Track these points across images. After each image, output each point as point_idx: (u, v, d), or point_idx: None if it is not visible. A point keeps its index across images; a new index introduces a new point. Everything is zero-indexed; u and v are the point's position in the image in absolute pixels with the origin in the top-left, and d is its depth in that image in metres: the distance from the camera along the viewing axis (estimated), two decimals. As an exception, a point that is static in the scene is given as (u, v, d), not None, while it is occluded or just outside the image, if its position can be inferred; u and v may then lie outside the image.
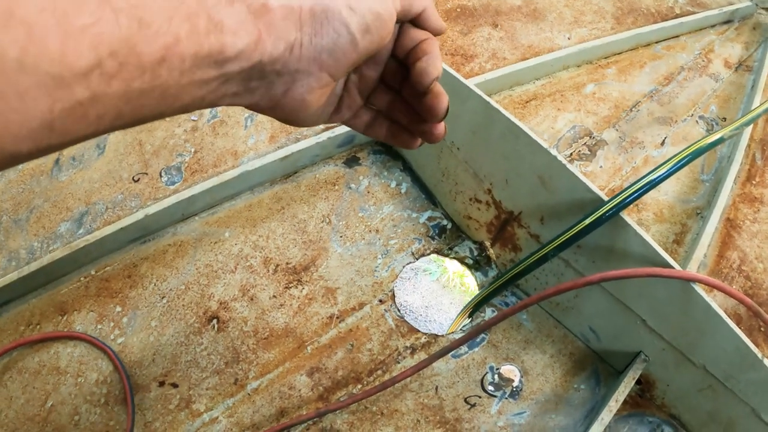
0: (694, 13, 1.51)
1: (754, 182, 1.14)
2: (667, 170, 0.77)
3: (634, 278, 0.73)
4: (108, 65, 0.32)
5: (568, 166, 0.77)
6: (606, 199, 0.75)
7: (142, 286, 0.89)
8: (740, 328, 0.89)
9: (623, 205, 0.74)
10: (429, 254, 0.93)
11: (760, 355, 0.70)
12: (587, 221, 0.74)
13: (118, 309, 0.86)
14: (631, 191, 0.74)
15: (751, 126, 1.24)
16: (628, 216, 0.95)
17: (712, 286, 0.75)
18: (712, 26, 1.54)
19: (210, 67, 0.37)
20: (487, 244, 0.94)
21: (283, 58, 0.41)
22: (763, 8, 1.68)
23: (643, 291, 0.77)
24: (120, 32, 0.32)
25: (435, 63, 0.48)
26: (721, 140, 0.87)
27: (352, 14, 0.42)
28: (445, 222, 0.99)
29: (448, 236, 0.97)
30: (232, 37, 0.38)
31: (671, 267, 0.73)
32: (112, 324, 0.85)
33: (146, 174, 1.00)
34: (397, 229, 0.97)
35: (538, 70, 1.21)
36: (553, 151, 0.78)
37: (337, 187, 1.01)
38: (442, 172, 0.98)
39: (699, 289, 0.72)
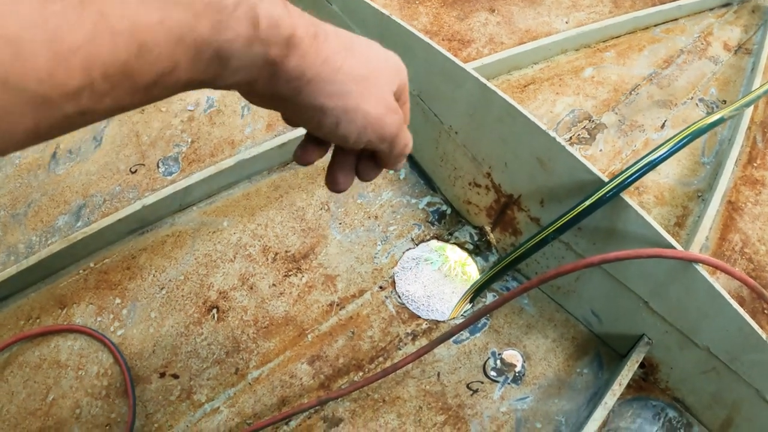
0: (692, -5, 1.50)
1: (755, 164, 1.13)
2: (667, 150, 0.77)
3: (636, 260, 0.72)
4: (99, 86, 0.31)
5: (567, 147, 0.76)
6: (606, 180, 0.74)
7: (141, 277, 0.88)
8: (744, 309, 0.89)
9: (623, 185, 0.73)
10: (429, 240, 0.93)
11: (764, 336, 0.70)
12: (587, 203, 0.73)
13: (118, 301, 0.86)
14: (632, 171, 0.74)
15: (752, 108, 1.23)
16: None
17: (715, 267, 0.75)
18: (711, 9, 1.53)
19: (202, 85, 0.38)
20: (488, 228, 0.93)
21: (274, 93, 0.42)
22: (762, -9, 1.67)
23: (644, 273, 0.76)
24: (116, 56, 0.31)
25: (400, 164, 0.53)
26: (721, 120, 0.87)
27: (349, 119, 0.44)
28: (444, 207, 0.98)
29: (447, 222, 0.97)
30: (232, 75, 0.38)
31: (673, 248, 0.72)
32: (111, 316, 0.85)
33: (143, 165, 1.00)
34: (397, 215, 0.96)
35: (536, 54, 1.20)
36: (552, 133, 0.77)
37: (335, 173, 1.00)
38: (441, 157, 0.97)
39: (702, 270, 0.71)
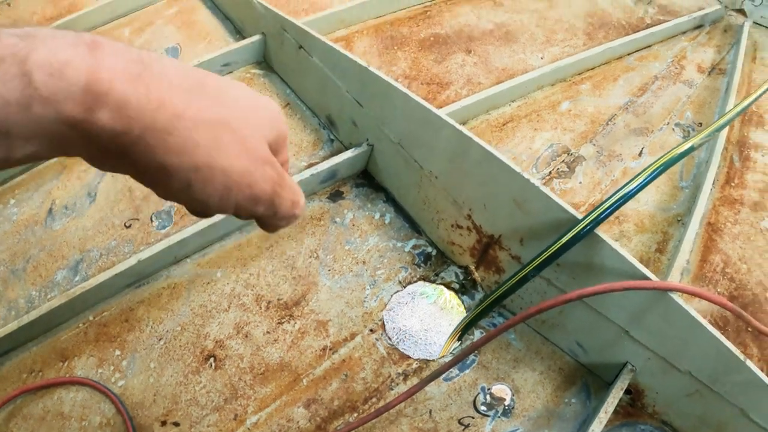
0: (664, 21, 1.54)
1: (733, 184, 1.16)
2: (638, 184, 0.80)
3: (613, 292, 0.75)
4: None
5: (542, 188, 0.79)
6: (580, 217, 0.77)
7: (139, 329, 0.90)
8: (728, 329, 0.92)
9: (598, 221, 0.76)
10: (416, 281, 0.96)
11: (742, 357, 0.72)
12: (564, 240, 0.76)
13: (118, 353, 0.88)
14: (604, 208, 0.77)
15: (727, 128, 1.27)
16: (608, 229, 0.99)
17: (690, 293, 0.78)
18: (683, 33, 1.57)
19: None
20: (472, 267, 0.96)
21: None
22: (733, 10, 1.71)
23: (623, 303, 0.79)
24: None
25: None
26: (691, 149, 0.90)
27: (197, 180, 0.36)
28: (429, 249, 1.01)
29: (433, 263, 0.99)
30: (23, 147, 0.32)
31: (648, 278, 0.75)
32: (112, 368, 0.86)
33: (137, 219, 1.02)
34: (384, 259, 0.99)
35: (513, 93, 1.23)
36: (526, 175, 0.80)
37: (322, 222, 1.04)
38: (423, 201, 1.00)
39: (677, 297, 0.74)
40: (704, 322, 0.73)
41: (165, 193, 0.37)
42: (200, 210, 0.39)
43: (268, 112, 0.41)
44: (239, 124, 0.37)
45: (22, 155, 0.32)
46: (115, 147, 0.33)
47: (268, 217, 0.42)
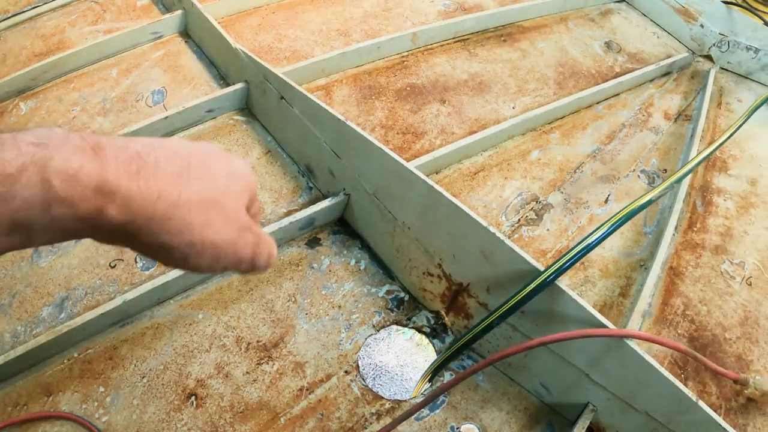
0: (633, 70, 1.60)
1: (695, 229, 1.21)
2: (598, 237, 0.86)
3: (573, 339, 0.80)
4: None
5: (506, 241, 0.85)
6: (542, 269, 0.82)
7: (123, 367, 0.92)
8: (687, 370, 0.97)
9: (559, 272, 0.82)
10: (389, 325, 1.00)
11: (694, 398, 0.77)
12: (527, 290, 0.81)
13: (102, 389, 0.90)
14: (565, 260, 0.82)
15: (691, 175, 1.32)
16: (574, 275, 1.04)
17: (644, 339, 0.83)
18: (651, 80, 1.63)
19: (16, 248, 0.36)
20: (442, 313, 1.01)
21: None
22: (700, 56, 1.78)
23: (583, 348, 0.84)
24: None
25: None
26: (650, 202, 0.95)
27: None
28: (402, 294, 1.05)
29: (406, 308, 1.04)
30: (43, 238, 0.36)
31: (605, 326, 0.80)
32: (96, 403, 0.88)
33: (122, 260, 1.05)
34: (359, 303, 1.03)
35: (485, 143, 1.28)
36: (492, 229, 0.86)
37: (300, 267, 1.07)
38: (397, 249, 1.05)
39: (632, 343, 0.79)
40: (657, 365, 0.78)
41: (165, 263, 0.43)
42: (195, 272, 0.44)
43: (243, 179, 0.46)
44: (223, 199, 0.43)
45: (38, 244, 0.37)
46: (122, 234, 0.38)
47: (247, 271, 0.47)
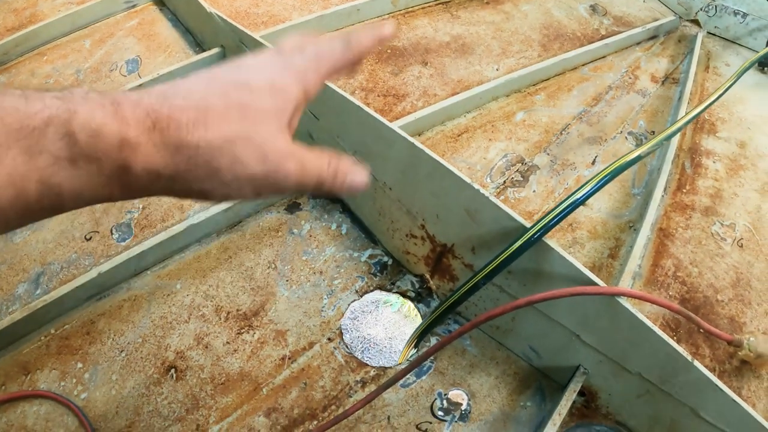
0: (619, 33, 1.58)
1: (684, 190, 1.19)
2: (586, 192, 0.83)
3: (562, 298, 0.78)
4: None
5: (491, 197, 0.82)
6: (529, 225, 0.80)
7: (100, 341, 0.91)
8: (680, 331, 0.95)
9: (546, 229, 0.79)
10: (372, 291, 0.97)
11: (689, 358, 0.75)
12: (513, 248, 0.78)
13: (80, 365, 0.88)
14: (552, 216, 0.79)
15: (679, 136, 1.30)
16: (562, 236, 1.01)
17: (636, 298, 0.81)
18: (638, 43, 1.60)
19: (47, 215, 0.36)
20: (427, 276, 0.98)
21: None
22: (687, 21, 1.76)
23: (573, 308, 0.81)
24: None
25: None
26: (638, 158, 0.92)
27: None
28: (385, 258, 1.03)
29: (389, 272, 1.01)
30: (75, 200, 0.36)
31: (595, 284, 0.77)
32: (74, 380, 0.87)
33: (98, 232, 1.03)
34: (340, 269, 1.01)
35: (468, 104, 1.26)
36: (476, 185, 0.83)
37: (280, 233, 1.05)
38: (378, 212, 1.02)
39: (624, 301, 0.77)
40: (651, 324, 0.76)
41: (210, 202, 0.43)
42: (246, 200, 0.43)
43: (282, 95, 0.43)
44: (251, 130, 0.40)
45: (73, 207, 0.36)
46: (155, 189, 0.38)
47: (315, 193, 0.45)
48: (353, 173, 0.47)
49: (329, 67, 0.47)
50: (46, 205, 0.34)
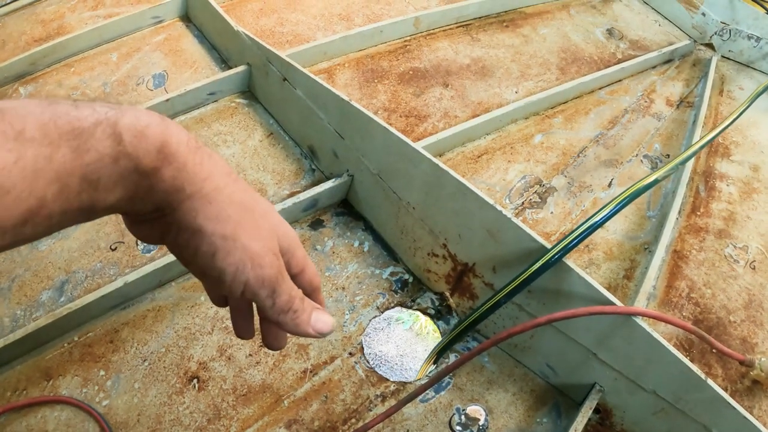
0: (635, 56, 1.60)
1: (698, 213, 1.21)
2: (604, 215, 0.85)
3: (580, 317, 0.80)
4: None
5: (513, 219, 0.84)
6: (549, 246, 0.82)
7: (124, 350, 0.92)
8: (693, 351, 0.96)
9: (566, 250, 0.81)
10: (393, 307, 0.99)
11: (703, 376, 0.77)
12: (534, 268, 0.81)
13: (102, 373, 0.89)
14: (572, 238, 0.82)
15: (694, 159, 1.32)
16: (578, 257, 1.03)
17: (652, 317, 0.82)
18: (653, 67, 1.63)
19: (80, 217, 0.38)
20: (447, 294, 1.00)
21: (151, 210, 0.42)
22: (702, 45, 1.78)
23: (590, 327, 0.83)
24: None
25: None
26: (655, 182, 0.95)
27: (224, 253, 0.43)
28: (406, 276, 1.05)
29: (410, 289, 1.03)
30: (107, 195, 0.38)
31: (613, 304, 0.80)
32: (96, 387, 0.88)
33: (123, 243, 1.04)
34: (362, 285, 1.02)
35: (488, 126, 1.28)
36: (498, 207, 0.85)
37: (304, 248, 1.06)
38: (401, 230, 1.04)
39: (640, 321, 0.79)
40: (666, 343, 0.78)
41: (192, 255, 0.43)
42: (216, 283, 0.45)
43: (285, 227, 0.49)
44: (260, 214, 0.45)
45: (102, 207, 0.38)
46: (169, 201, 0.41)
47: (268, 307, 0.47)
48: (320, 314, 0.51)
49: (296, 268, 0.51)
50: (84, 202, 0.37)
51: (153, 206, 0.41)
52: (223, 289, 0.48)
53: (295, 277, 0.51)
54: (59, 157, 0.34)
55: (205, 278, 0.47)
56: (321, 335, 0.51)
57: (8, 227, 0.33)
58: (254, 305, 0.50)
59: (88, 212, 0.38)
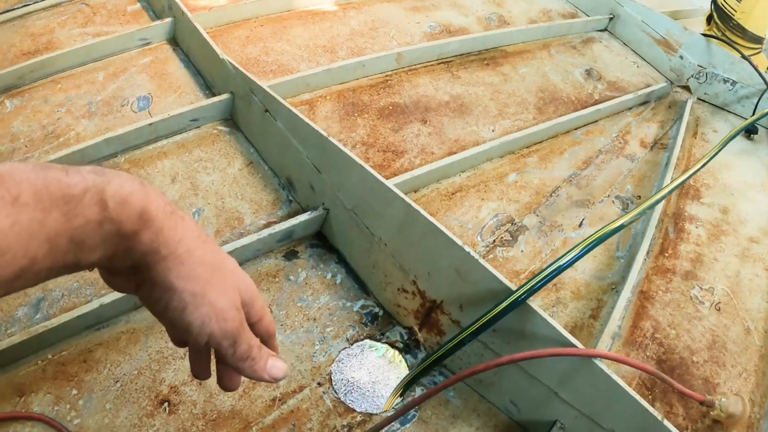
0: (612, 97, 1.64)
1: (666, 254, 1.24)
2: (570, 258, 0.88)
3: (542, 357, 0.82)
4: None
5: (480, 260, 0.87)
6: (514, 288, 0.84)
7: (97, 370, 0.92)
8: (655, 391, 0.99)
9: (531, 292, 0.84)
10: (363, 339, 1.01)
11: (660, 417, 0.79)
12: (498, 309, 0.83)
13: (74, 392, 0.90)
14: (537, 280, 0.84)
15: (664, 201, 1.35)
16: (546, 296, 1.06)
17: (611, 359, 0.85)
18: (629, 108, 1.67)
19: (64, 271, 0.41)
20: (416, 329, 1.02)
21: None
22: (678, 87, 1.83)
23: (553, 367, 0.86)
24: None
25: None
26: (622, 227, 0.98)
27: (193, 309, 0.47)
28: (377, 310, 1.07)
29: (380, 322, 1.05)
30: (90, 254, 0.42)
31: (574, 346, 0.82)
32: (68, 406, 0.88)
33: (101, 265, 1.05)
34: (333, 317, 1.04)
35: (464, 164, 1.30)
36: (467, 248, 0.88)
37: (277, 279, 1.08)
38: (373, 265, 1.06)
39: (600, 363, 0.81)
40: (624, 384, 0.80)
41: (163, 309, 0.48)
42: (182, 333, 0.49)
43: (248, 280, 0.53)
44: (226, 273, 0.50)
45: (85, 264, 0.42)
46: (145, 261, 0.44)
47: (229, 355, 0.51)
48: (275, 361, 0.56)
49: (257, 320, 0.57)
50: (69, 260, 0.41)
51: (130, 263, 0.45)
52: (188, 339, 0.51)
53: (253, 326, 0.56)
54: (51, 221, 0.38)
55: (172, 327, 0.51)
56: (275, 380, 0.56)
57: (2, 283, 0.36)
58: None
59: (72, 268, 0.41)
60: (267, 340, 0.58)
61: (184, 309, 0.47)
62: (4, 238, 0.35)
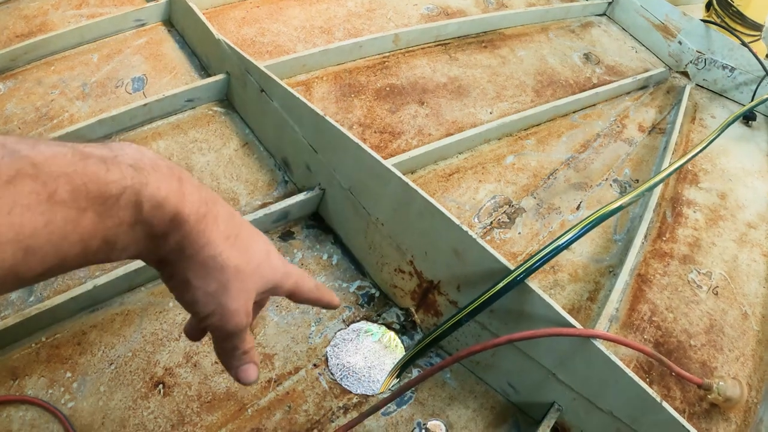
0: (610, 82, 1.63)
1: (664, 238, 1.24)
2: (568, 239, 0.87)
3: (540, 338, 0.82)
4: None
5: (478, 239, 0.86)
6: (512, 268, 0.84)
7: (91, 353, 0.92)
8: (652, 374, 0.98)
9: (529, 272, 0.83)
10: (359, 321, 1.00)
11: (658, 399, 0.79)
12: (496, 288, 0.83)
13: (68, 374, 0.89)
14: (535, 260, 0.83)
15: (662, 185, 1.35)
16: (543, 278, 1.05)
17: (611, 341, 0.85)
18: (628, 93, 1.66)
19: (90, 264, 0.41)
20: (412, 310, 1.01)
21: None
22: (677, 72, 1.82)
23: (551, 348, 0.85)
24: (2, 263, 0.33)
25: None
26: (620, 208, 0.97)
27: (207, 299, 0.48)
28: (373, 291, 1.06)
29: (376, 304, 1.05)
30: (120, 253, 0.41)
31: (572, 326, 0.82)
32: (62, 389, 0.88)
33: (95, 246, 1.05)
34: (329, 297, 1.03)
35: (461, 145, 1.30)
36: (464, 227, 0.87)
37: (273, 259, 1.07)
38: (369, 245, 1.06)
39: (599, 344, 0.81)
40: (623, 365, 0.80)
41: (179, 296, 0.49)
42: (188, 311, 0.50)
43: (272, 272, 0.53)
44: (248, 275, 0.50)
45: (111, 260, 0.42)
46: (169, 258, 0.45)
47: (217, 345, 0.54)
48: (248, 367, 0.56)
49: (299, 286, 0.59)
50: (100, 257, 0.40)
51: (153, 259, 0.45)
52: (189, 312, 0.52)
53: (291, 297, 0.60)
54: (85, 221, 0.36)
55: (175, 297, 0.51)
56: (241, 382, 0.57)
57: (28, 280, 0.35)
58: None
59: (98, 263, 0.41)
60: (317, 300, 0.63)
61: (195, 303, 0.48)
62: (36, 239, 0.34)
